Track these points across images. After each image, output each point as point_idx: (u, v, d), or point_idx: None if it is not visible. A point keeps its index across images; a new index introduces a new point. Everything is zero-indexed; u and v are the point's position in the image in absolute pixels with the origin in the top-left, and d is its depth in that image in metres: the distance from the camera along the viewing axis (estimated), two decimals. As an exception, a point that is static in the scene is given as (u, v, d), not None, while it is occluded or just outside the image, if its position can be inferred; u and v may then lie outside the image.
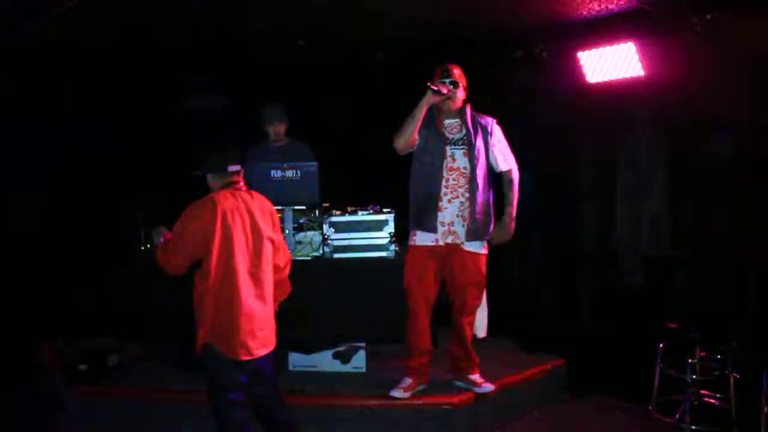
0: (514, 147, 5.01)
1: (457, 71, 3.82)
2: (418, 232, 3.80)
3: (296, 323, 4.07)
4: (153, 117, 5.54)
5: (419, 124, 3.70)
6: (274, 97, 4.81)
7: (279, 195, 4.15)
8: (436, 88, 3.66)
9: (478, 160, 3.77)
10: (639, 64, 4.33)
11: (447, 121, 3.85)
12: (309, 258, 4.21)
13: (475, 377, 3.89)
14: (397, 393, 3.77)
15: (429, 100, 3.68)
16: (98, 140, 5.31)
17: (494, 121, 3.91)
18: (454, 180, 3.76)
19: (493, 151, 3.87)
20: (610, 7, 4.17)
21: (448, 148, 3.77)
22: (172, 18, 4.51)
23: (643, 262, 4.50)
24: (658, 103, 4.42)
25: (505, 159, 3.90)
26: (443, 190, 3.74)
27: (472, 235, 3.76)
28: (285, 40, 5.08)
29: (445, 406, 3.78)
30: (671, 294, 4.33)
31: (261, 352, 2.94)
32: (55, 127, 5.12)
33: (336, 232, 4.24)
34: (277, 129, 4.66)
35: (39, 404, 4.21)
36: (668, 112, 4.38)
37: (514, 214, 3.86)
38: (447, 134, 3.82)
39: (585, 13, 4.28)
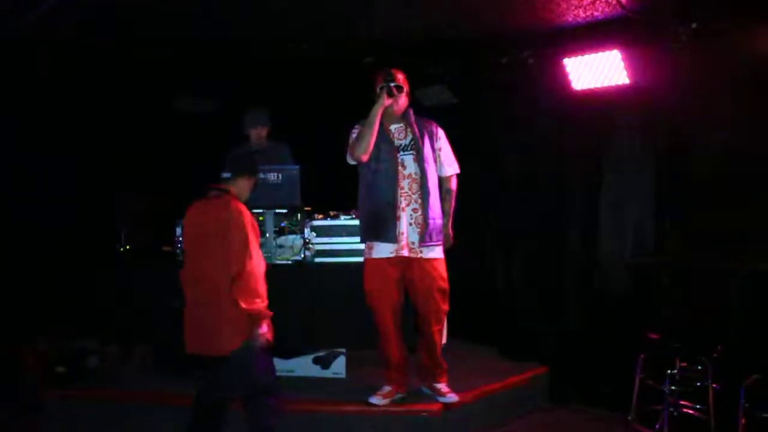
0: (499, 152, 5.01)
1: (400, 76, 3.76)
2: (375, 244, 3.72)
3: (275, 327, 4.06)
4: (153, 117, 5.53)
5: (376, 129, 3.66)
6: (257, 100, 4.79)
7: (260, 198, 4.12)
8: (394, 85, 3.65)
9: (428, 164, 3.71)
10: (625, 72, 4.31)
11: (392, 126, 3.79)
12: (289, 262, 4.19)
13: (441, 386, 3.84)
14: (375, 400, 3.74)
15: (383, 103, 3.64)
16: (98, 139, 5.30)
17: (436, 124, 3.86)
18: (407, 187, 3.70)
19: (439, 155, 3.82)
20: (595, 14, 4.16)
21: (399, 154, 3.72)
22: (168, 16, 4.49)
23: (627, 271, 4.48)
24: (644, 111, 4.40)
25: (449, 164, 3.84)
26: (399, 198, 3.68)
27: (428, 239, 3.68)
28: (274, 45, 5.07)
29: (424, 414, 3.76)
30: (654, 302, 4.31)
31: (204, 350, 3.08)
32: (53, 127, 5.11)
33: (317, 236, 4.22)
34: (260, 133, 4.64)
35: (17, 406, 4.17)
36: (653, 120, 4.37)
37: (451, 224, 3.82)
38: (395, 140, 3.76)
39: (570, 19, 4.27)
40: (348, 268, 4.13)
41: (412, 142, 3.73)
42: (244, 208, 3.14)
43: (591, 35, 4.38)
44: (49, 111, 5.05)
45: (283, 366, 4.28)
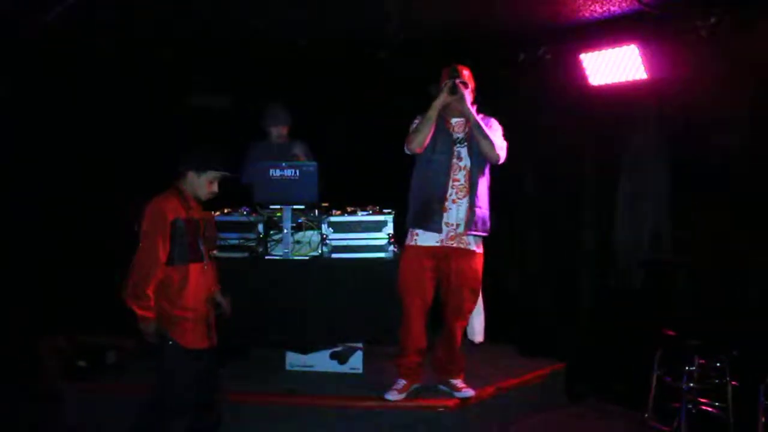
0: (517, 148, 4.99)
1: (466, 72, 3.76)
2: (420, 232, 3.76)
3: (293, 323, 4.10)
4: (153, 116, 5.54)
5: (433, 123, 3.67)
6: (275, 97, 4.81)
7: (278, 194, 4.17)
8: (458, 82, 3.61)
9: (480, 156, 3.73)
10: (642, 67, 4.29)
11: (453, 120, 3.82)
12: (307, 258, 4.20)
13: (457, 381, 3.87)
14: (391, 396, 3.76)
15: (444, 99, 3.65)
16: (98, 139, 5.34)
17: (495, 119, 3.83)
18: (462, 179, 3.72)
19: None
20: (612, 9, 4.15)
21: (455, 146, 3.75)
22: (172, 16, 4.52)
23: (643, 267, 4.46)
24: (661, 106, 4.38)
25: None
26: (450, 190, 3.71)
27: (473, 227, 3.70)
28: (286, 39, 5.08)
29: (440, 409, 3.77)
30: (671, 299, 4.28)
31: None
32: (54, 127, 5.16)
33: (335, 232, 4.23)
34: (281, 131, 4.69)
35: (37, 400, 4.23)
36: (671, 116, 4.34)
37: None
38: (454, 133, 3.79)
39: (587, 15, 4.26)
40: (365, 264, 4.14)
41: (467, 135, 3.75)
42: (160, 202, 3.03)
43: (608, 30, 4.36)
44: (50, 111, 5.07)
45: (300, 361, 4.34)
